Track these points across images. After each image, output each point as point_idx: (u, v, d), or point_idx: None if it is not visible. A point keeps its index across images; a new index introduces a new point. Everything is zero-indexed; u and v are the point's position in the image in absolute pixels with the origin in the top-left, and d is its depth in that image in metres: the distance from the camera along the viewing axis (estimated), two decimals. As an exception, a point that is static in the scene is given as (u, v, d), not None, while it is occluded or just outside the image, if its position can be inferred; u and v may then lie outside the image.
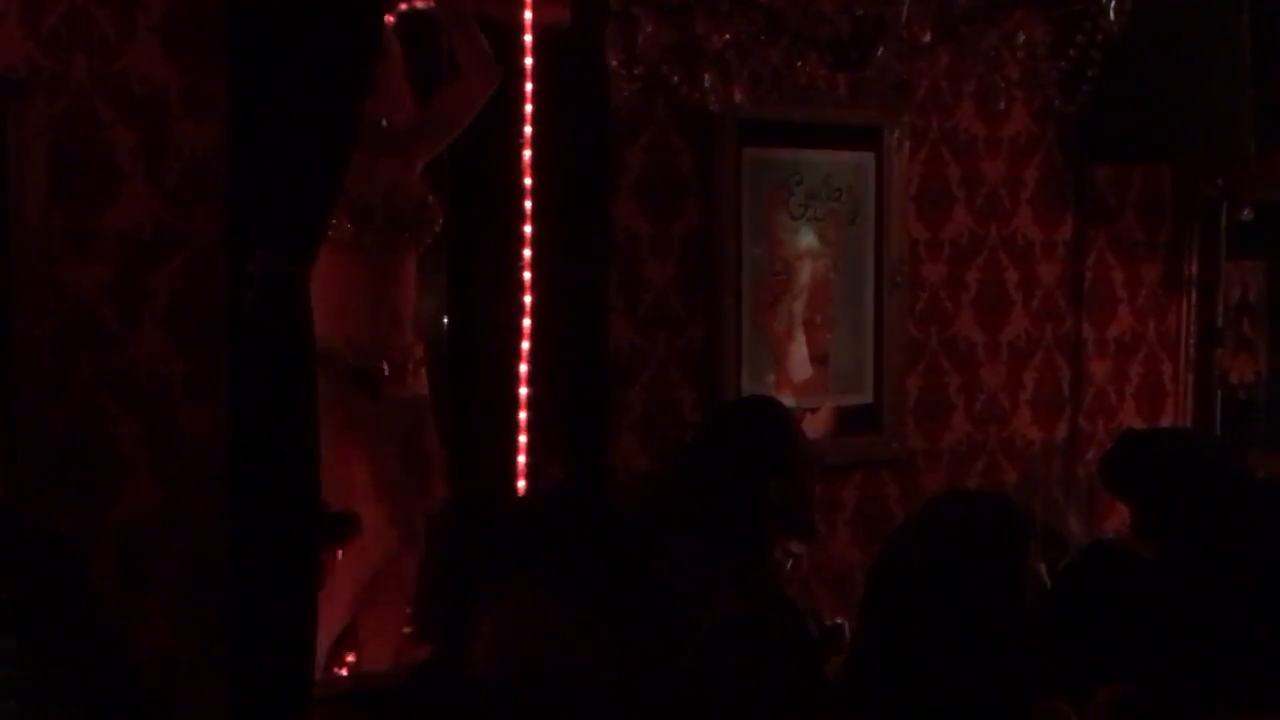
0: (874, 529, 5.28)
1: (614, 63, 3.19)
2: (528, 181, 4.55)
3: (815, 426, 5.02)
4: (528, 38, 4.52)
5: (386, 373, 4.19)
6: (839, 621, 3.73)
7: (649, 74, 3.09)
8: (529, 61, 4.53)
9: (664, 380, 4.82)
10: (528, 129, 4.55)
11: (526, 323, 4.56)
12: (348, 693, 4.19)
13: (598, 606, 2.48)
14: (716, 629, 2.94)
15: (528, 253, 4.56)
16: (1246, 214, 5.81)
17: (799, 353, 5.17)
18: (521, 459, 4.55)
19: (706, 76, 3.08)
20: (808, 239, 5.16)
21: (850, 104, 5.12)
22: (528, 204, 4.55)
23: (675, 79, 3.18)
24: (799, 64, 3.08)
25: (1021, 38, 2.90)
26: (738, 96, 3.09)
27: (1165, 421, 6.05)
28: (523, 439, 4.57)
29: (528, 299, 4.56)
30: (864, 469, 5.31)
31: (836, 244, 5.24)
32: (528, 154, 4.56)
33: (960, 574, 2.35)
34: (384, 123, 4.28)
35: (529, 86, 4.55)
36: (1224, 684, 2.42)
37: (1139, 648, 2.75)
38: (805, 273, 5.16)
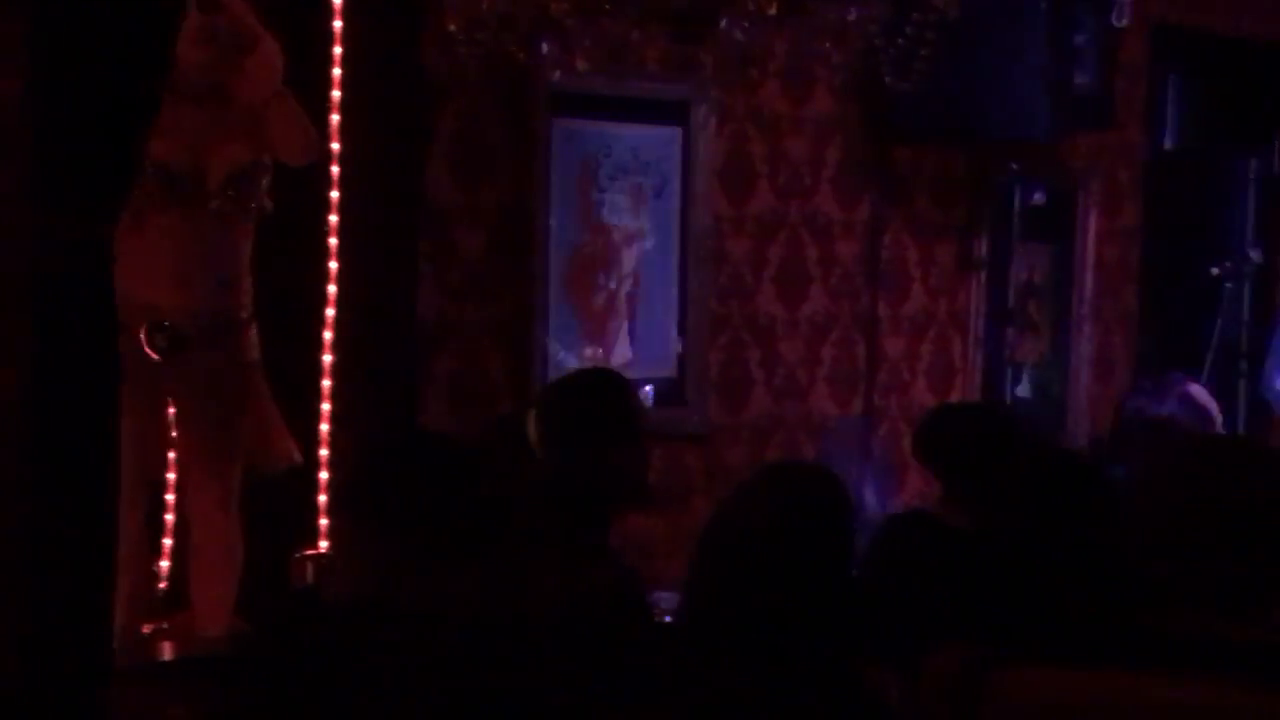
0: (676, 501, 5.32)
1: (453, 26, 3.14)
2: (335, 146, 4.47)
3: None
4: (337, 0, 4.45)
5: (194, 334, 4.10)
6: None
7: (491, 40, 3.05)
8: (338, 24, 4.45)
9: (473, 350, 4.80)
10: (336, 93, 4.47)
11: (332, 289, 4.50)
12: (154, 663, 4.11)
13: (437, 547, 2.48)
14: (584, 595, 2.93)
15: (334, 218, 4.49)
16: (1038, 198, 5.97)
17: (619, 328, 5.20)
18: (325, 428, 4.49)
19: (545, 45, 3.05)
20: (616, 212, 5.18)
21: (660, 79, 5.14)
22: (335, 169, 4.48)
23: (513, 47, 3.15)
24: (634, 34, 3.08)
25: (854, 14, 2.93)
26: (581, 66, 3.08)
27: (954, 398, 6.20)
28: (326, 407, 4.51)
29: (334, 265, 4.49)
30: (667, 442, 5.33)
31: (643, 218, 5.26)
32: (336, 118, 4.48)
33: (793, 543, 2.37)
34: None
35: (337, 50, 4.46)
36: (1038, 645, 2.49)
37: (956, 615, 2.82)
38: (618, 248, 5.17)
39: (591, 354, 5.15)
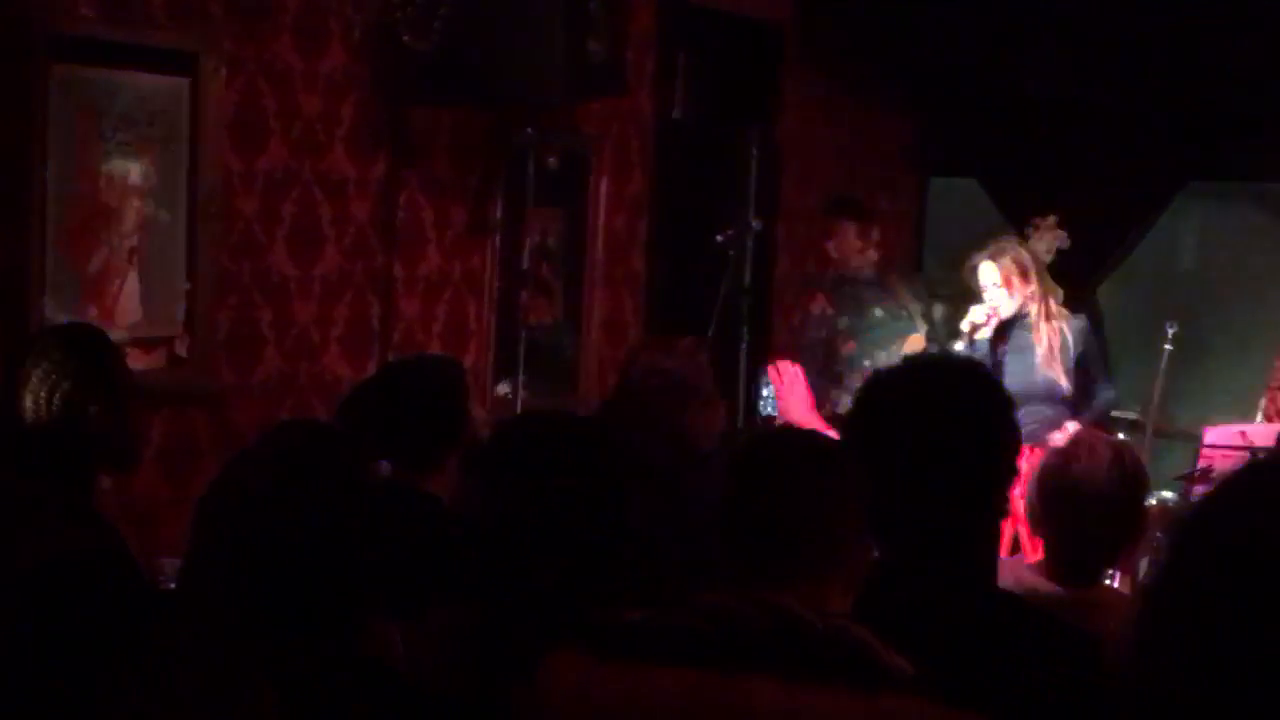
0: (182, 465, 5.17)
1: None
2: None
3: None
4: None
5: None
6: None
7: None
8: None
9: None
10: None
11: None
12: None
13: None
14: (47, 565, 2.80)
15: None
16: (552, 163, 6.05)
17: (129, 286, 4.99)
18: None
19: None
20: (121, 165, 4.96)
21: (168, 27, 4.95)
22: None
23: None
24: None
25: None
26: (83, 10, 2.90)
27: (469, 360, 6.24)
28: None
29: None
30: (172, 404, 5.17)
31: (150, 172, 5.06)
32: None
33: (297, 504, 2.32)
34: None
35: None
36: (536, 616, 2.51)
37: (456, 577, 2.83)
38: (122, 202, 4.95)
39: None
